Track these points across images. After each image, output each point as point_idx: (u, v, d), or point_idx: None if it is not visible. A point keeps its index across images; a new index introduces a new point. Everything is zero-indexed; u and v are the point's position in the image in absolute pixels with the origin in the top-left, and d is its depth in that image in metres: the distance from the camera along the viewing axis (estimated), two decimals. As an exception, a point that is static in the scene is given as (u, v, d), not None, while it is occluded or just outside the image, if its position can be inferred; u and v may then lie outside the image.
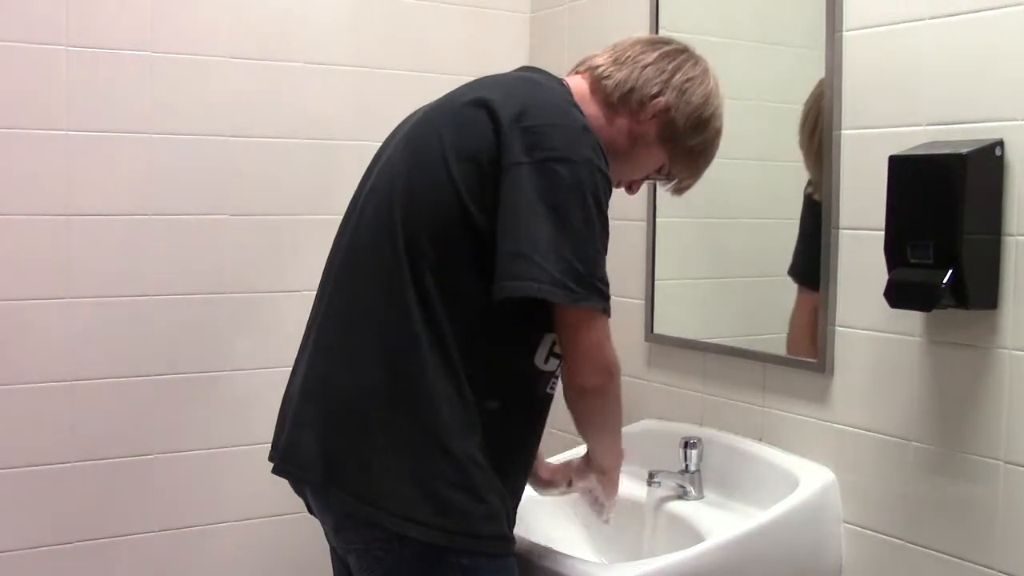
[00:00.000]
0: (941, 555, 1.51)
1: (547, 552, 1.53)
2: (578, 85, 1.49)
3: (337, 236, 1.50)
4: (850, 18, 1.62)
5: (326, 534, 1.49)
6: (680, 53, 1.51)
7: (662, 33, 2.00)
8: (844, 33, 1.62)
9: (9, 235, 1.91)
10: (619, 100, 1.47)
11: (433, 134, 1.38)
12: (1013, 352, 1.41)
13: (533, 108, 1.33)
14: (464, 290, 1.33)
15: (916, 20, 1.52)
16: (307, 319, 1.50)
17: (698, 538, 1.59)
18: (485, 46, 2.35)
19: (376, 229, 1.38)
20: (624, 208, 2.02)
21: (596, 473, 1.56)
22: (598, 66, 1.49)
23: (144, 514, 2.06)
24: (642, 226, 2.07)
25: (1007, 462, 1.42)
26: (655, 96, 1.47)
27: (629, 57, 1.48)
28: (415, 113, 1.49)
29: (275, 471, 1.45)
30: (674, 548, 1.57)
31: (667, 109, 1.47)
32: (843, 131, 1.63)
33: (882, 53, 1.57)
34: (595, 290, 1.30)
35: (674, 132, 1.48)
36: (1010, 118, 1.40)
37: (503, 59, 2.35)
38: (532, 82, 1.43)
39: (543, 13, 2.37)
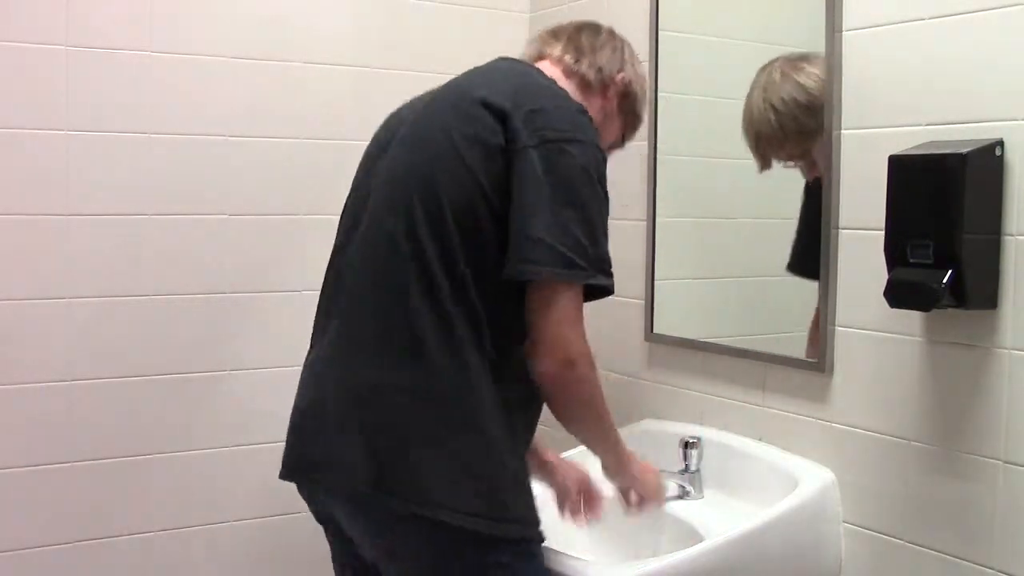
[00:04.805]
0: (940, 555, 1.51)
1: (547, 552, 1.53)
2: (551, 71, 1.54)
3: (344, 232, 1.50)
4: (850, 18, 1.61)
5: (356, 546, 1.44)
6: (613, 32, 1.63)
7: (663, 34, 2.01)
8: (844, 33, 1.62)
9: (9, 235, 1.91)
10: (594, 81, 1.57)
11: (440, 128, 1.40)
12: (1013, 352, 1.41)
13: (532, 94, 1.40)
14: (493, 275, 1.35)
15: (916, 20, 1.51)
16: (313, 320, 1.50)
17: (698, 538, 1.59)
18: (485, 46, 2.33)
19: (395, 222, 1.38)
20: (624, 208, 2.02)
21: (614, 479, 1.61)
22: (564, 54, 1.57)
23: (144, 514, 2.06)
24: (642, 226, 2.07)
25: (1007, 462, 1.42)
26: (619, 71, 1.59)
27: (584, 43, 1.58)
28: (406, 111, 1.52)
29: (298, 479, 1.45)
30: (674, 548, 1.57)
31: (629, 82, 1.60)
32: (843, 131, 1.63)
33: (882, 53, 1.57)
34: (601, 270, 1.36)
35: (633, 101, 1.62)
36: (1010, 118, 1.40)
37: (503, 59, 2.36)
38: (520, 72, 1.48)
39: (543, 13, 2.36)
